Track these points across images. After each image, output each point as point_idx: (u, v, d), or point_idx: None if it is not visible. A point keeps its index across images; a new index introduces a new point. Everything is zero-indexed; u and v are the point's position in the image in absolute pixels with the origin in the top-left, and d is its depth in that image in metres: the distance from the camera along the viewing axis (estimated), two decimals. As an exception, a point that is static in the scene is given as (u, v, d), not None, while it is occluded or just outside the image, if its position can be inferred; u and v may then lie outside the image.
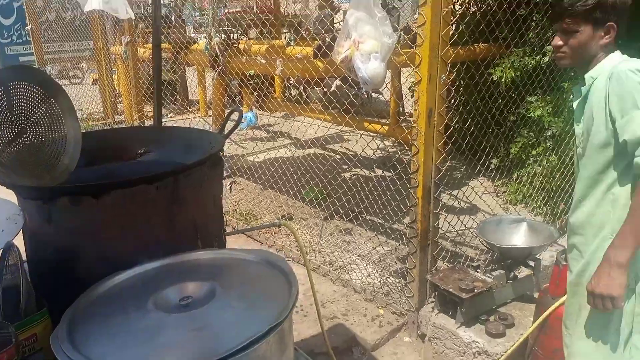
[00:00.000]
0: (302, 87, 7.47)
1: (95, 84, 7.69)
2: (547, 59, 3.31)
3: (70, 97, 1.32)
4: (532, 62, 3.39)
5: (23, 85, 1.20)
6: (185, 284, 1.01)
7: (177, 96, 8.06)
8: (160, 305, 0.94)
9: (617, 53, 1.50)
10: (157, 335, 0.86)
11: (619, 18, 1.44)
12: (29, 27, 6.98)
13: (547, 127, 3.48)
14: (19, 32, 7.62)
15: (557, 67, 3.30)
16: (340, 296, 2.87)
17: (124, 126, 5.88)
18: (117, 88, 7.29)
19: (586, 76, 1.50)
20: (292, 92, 7.83)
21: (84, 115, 7.21)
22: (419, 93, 2.32)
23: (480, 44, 3.57)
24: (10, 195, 1.21)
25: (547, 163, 3.50)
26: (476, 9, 4.39)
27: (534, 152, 3.65)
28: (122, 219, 1.14)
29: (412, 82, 2.43)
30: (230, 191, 4.41)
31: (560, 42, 1.50)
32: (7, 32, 7.59)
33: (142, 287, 1.01)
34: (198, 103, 7.84)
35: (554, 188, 3.49)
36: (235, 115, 1.78)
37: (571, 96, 1.64)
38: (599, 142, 1.46)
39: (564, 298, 2.01)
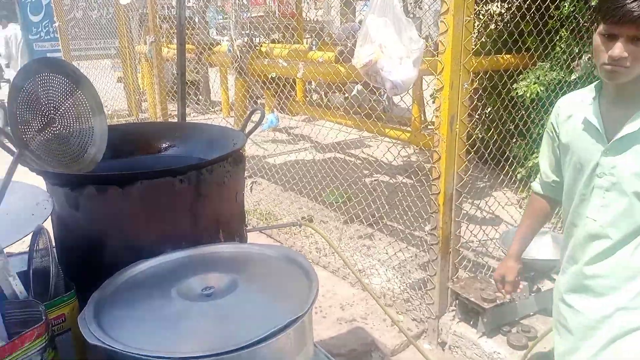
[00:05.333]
0: (323, 92, 7.49)
1: (120, 82, 7.82)
2: (573, 76, 3.25)
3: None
4: (558, 77, 3.33)
5: (52, 77, 1.21)
6: (208, 274, 1.02)
7: (200, 96, 8.15)
8: (184, 293, 0.94)
9: None
10: (181, 322, 0.87)
11: None
12: (56, 24, 7.13)
13: None
14: (47, 28, 7.76)
15: (581, 83, 3.24)
16: (359, 300, 2.85)
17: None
18: (141, 86, 7.40)
19: None
20: (313, 96, 7.86)
21: (109, 112, 7.32)
22: (441, 100, 2.31)
23: (504, 55, 3.54)
24: (39, 182, 1.23)
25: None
26: (500, 19, 4.37)
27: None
28: (147, 210, 1.16)
29: (434, 89, 2.45)
30: (251, 191, 4.44)
31: (625, 54, 1.16)
32: (36, 29, 7.75)
33: (166, 276, 1.02)
34: (220, 104, 7.92)
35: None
36: (256, 116, 1.79)
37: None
38: None
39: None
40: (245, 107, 4.82)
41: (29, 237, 1.01)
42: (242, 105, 4.77)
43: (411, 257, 3.25)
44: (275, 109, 5.24)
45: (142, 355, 0.76)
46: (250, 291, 0.98)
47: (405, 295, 2.83)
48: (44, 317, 0.83)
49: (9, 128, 1.12)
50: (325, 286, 3.04)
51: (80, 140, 1.28)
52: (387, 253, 3.27)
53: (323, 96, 7.38)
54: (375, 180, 4.61)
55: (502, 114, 3.71)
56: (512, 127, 3.40)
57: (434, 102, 5.05)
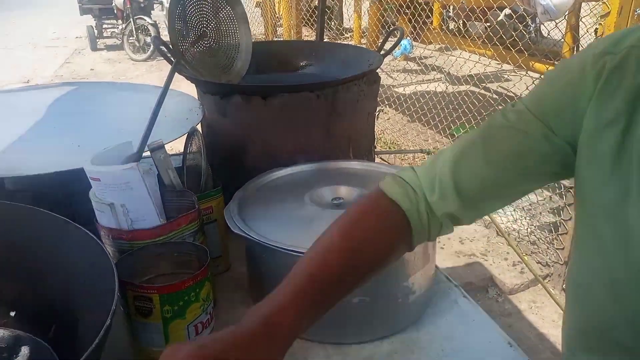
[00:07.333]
0: (461, 21, 7.00)
1: (258, 7, 8.02)
2: None
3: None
4: None
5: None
6: (338, 186, 1.07)
7: (334, 21, 8.10)
8: (315, 200, 1.00)
9: None
10: (312, 224, 0.93)
11: None
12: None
13: None
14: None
15: None
16: (481, 236, 2.79)
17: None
18: (277, 11, 7.54)
19: None
20: (449, 25, 7.39)
21: (247, 36, 7.62)
22: (605, 27, 2.06)
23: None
24: (192, 91, 1.36)
25: None
26: None
27: None
28: (286, 121, 1.22)
29: (599, 16, 2.15)
30: (377, 119, 4.43)
31: None
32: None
33: (300, 184, 1.08)
34: (352, 30, 7.81)
35: None
36: (392, 41, 1.74)
37: None
38: None
39: None
40: (379, 33, 4.71)
41: (182, 139, 1.13)
42: (375, 31, 4.66)
43: (543, 200, 3.05)
44: (409, 36, 5.05)
45: (277, 247, 0.84)
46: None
47: (532, 238, 2.71)
48: (196, 206, 0.94)
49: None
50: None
51: (228, 54, 1.38)
52: (516, 193, 3.11)
53: (461, 25, 6.91)
54: (510, 116, 4.31)
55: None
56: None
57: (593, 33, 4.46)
